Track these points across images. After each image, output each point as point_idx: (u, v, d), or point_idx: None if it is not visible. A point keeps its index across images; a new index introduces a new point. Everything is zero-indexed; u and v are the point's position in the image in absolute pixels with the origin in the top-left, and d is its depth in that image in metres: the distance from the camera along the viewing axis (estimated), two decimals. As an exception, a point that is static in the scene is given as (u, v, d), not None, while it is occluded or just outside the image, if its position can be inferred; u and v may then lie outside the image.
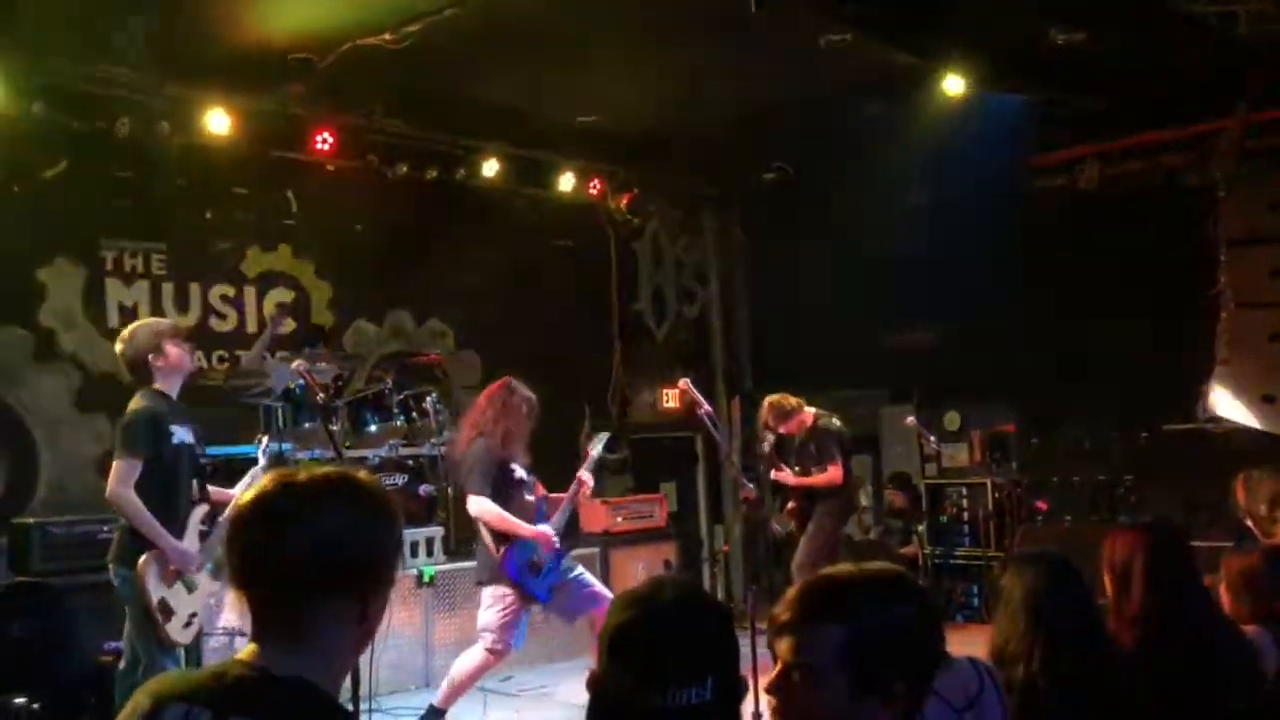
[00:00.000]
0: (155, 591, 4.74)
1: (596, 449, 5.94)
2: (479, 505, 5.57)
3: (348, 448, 6.71)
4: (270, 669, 1.60)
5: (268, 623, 1.64)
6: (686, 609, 1.69)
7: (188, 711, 1.58)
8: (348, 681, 3.97)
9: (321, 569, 1.61)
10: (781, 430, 7.45)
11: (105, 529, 5.99)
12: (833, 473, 7.28)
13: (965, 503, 8.87)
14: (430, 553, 7.16)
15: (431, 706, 5.71)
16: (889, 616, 1.72)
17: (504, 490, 5.63)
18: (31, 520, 6.33)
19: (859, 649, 1.68)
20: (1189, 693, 2.68)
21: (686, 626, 1.67)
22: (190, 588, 4.82)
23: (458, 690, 5.71)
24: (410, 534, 7.06)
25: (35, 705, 5.25)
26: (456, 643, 6.96)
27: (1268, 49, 6.73)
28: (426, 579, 6.94)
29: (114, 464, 4.79)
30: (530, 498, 5.76)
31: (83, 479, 7.03)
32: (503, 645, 5.65)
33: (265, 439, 5.56)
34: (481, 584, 5.79)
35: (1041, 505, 7.80)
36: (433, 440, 7.47)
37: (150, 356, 4.91)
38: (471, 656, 5.70)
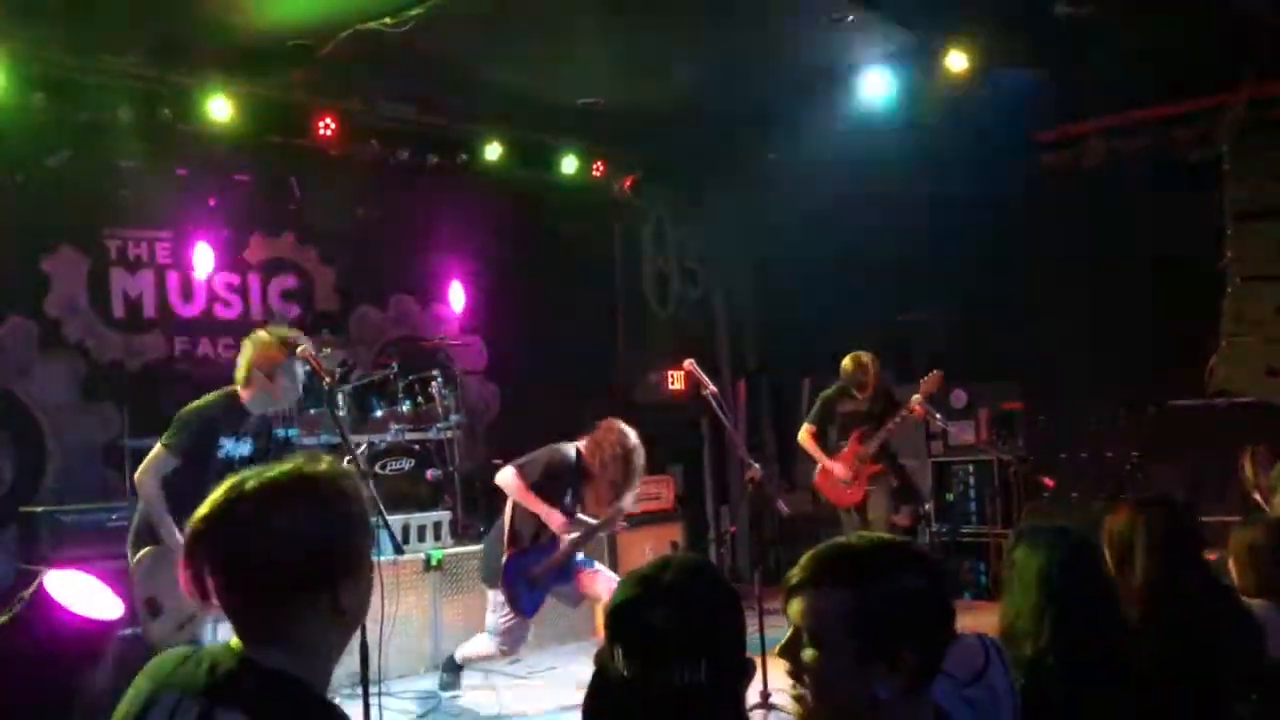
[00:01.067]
0: (145, 587, 4.68)
1: (625, 502, 5.89)
2: (506, 476, 5.62)
3: (353, 433, 6.72)
4: (260, 662, 1.62)
5: (245, 625, 1.66)
6: (685, 589, 1.68)
7: (179, 701, 1.61)
8: (356, 665, 3.99)
9: (281, 571, 1.62)
10: (865, 383, 7.43)
11: (114, 517, 6.05)
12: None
13: (972, 480, 8.86)
14: (438, 537, 7.18)
15: (451, 658, 6.02)
16: (898, 585, 1.71)
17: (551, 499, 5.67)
18: (40, 509, 6.36)
19: (867, 615, 1.67)
20: (1193, 667, 2.68)
21: (683, 606, 1.66)
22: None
23: (471, 661, 6.04)
24: (418, 518, 7.09)
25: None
26: (464, 626, 6.99)
27: (1272, 20, 6.69)
28: (434, 563, 6.96)
29: (154, 449, 4.76)
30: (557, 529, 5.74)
31: (90, 467, 7.07)
32: (508, 648, 5.85)
33: None
34: (484, 582, 5.93)
35: (1048, 482, 7.78)
36: (439, 425, 7.48)
37: (261, 372, 4.82)
38: (481, 644, 5.90)
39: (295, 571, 1.62)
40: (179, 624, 4.71)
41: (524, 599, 5.70)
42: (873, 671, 1.67)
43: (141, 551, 4.73)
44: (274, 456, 5.03)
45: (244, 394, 4.87)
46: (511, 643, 5.81)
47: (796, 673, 1.73)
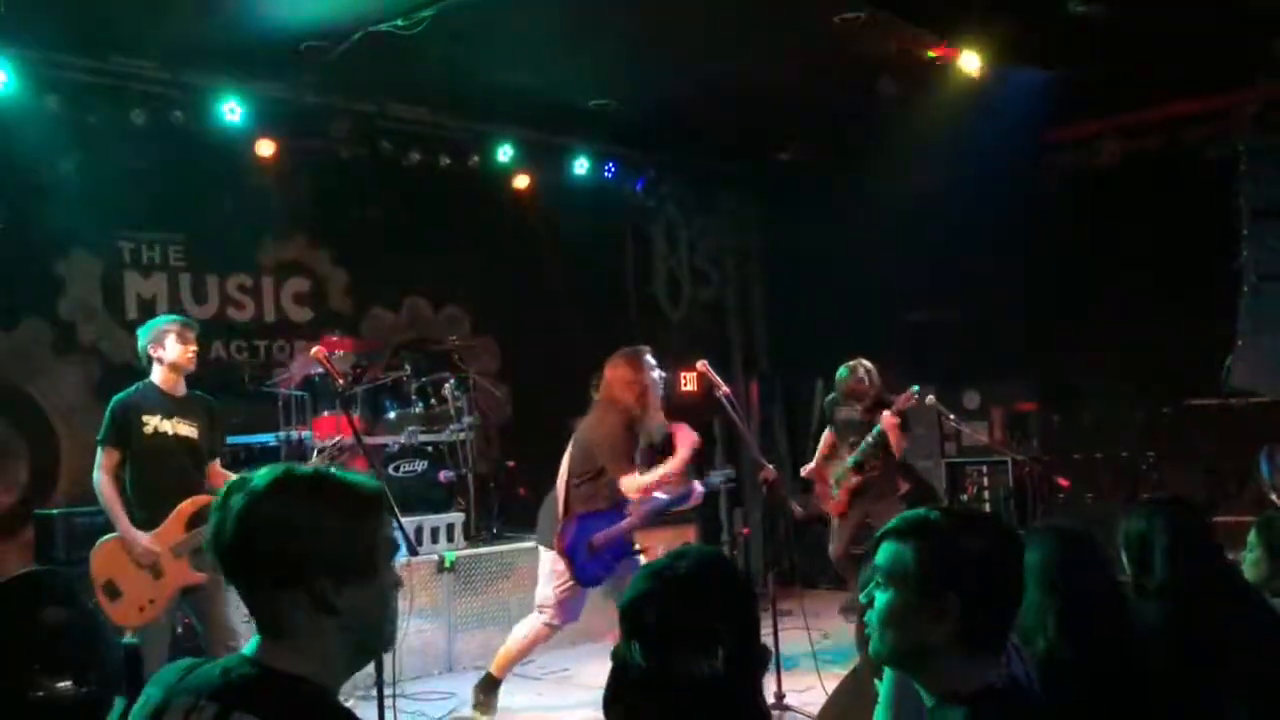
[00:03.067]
0: (103, 571, 4.98)
1: (713, 480, 6.00)
2: (630, 483, 5.43)
3: (366, 435, 6.73)
4: (274, 666, 1.64)
5: (253, 616, 1.70)
6: (699, 581, 1.70)
7: (195, 704, 1.62)
8: (370, 667, 3.99)
9: (259, 562, 1.66)
10: (855, 394, 7.38)
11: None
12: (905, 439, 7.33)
13: (986, 481, 8.83)
14: (451, 539, 7.18)
15: (488, 674, 5.76)
16: (955, 543, 1.87)
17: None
18: (55, 511, 6.38)
19: (922, 565, 1.86)
20: (1211, 666, 2.66)
21: (699, 598, 1.67)
22: (156, 574, 4.95)
23: (513, 659, 5.73)
24: (431, 520, 7.09)
25: (83, 689, 5.33)
26: (479, 627, 7.01)
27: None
28: (447, 564, 6.96)
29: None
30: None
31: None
32: (559, 620, 5.63)
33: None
34: (541, 546, 5.74)
35: (1064, 483, 7.75)
36: (451, 426, 7.48)
37: (150, 349, 5.18)
38: (528, 625, 5.68)
39: (272, 563, 1.66)
40: (139, 606, 4.98)
41: (582, 565, 5.49)
42: (924, 618, 1.83)
43: (100, 540, 5.06)
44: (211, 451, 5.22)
45: (153, 376, 5.22)
46: (564, 614, 5.59)
47: (869, 611, 1.92)
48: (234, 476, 1.78)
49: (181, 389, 5.23)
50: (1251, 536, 3.25)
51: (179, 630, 5.41)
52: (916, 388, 7.20)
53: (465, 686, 6.50)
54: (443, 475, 7.41)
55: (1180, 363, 7.85)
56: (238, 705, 1.59)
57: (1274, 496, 6.44)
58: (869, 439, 7.25)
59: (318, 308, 8.36)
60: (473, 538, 7.40)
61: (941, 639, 1.81)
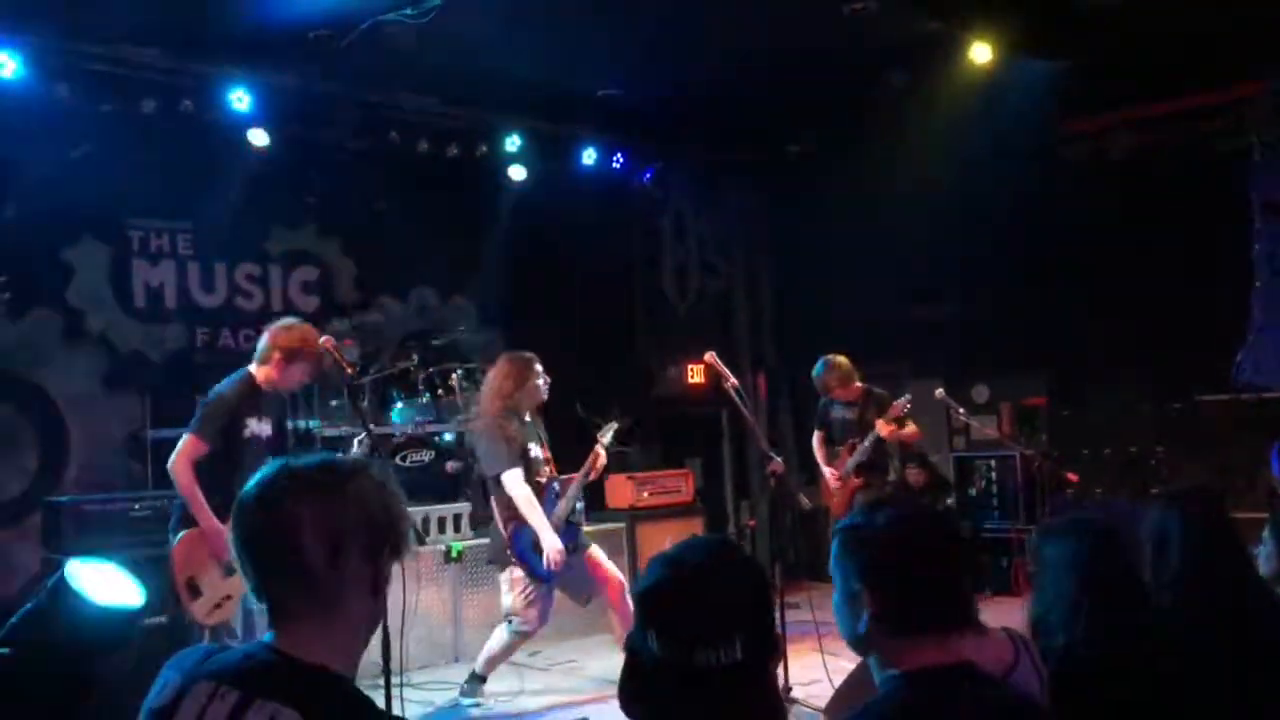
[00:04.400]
0: (185, 570, 4.88)
1: (606, 438, 5.98)
2: (514, 482, 5.60)
3: (374, 424, 6.72)
4: (294, 655, 1.63)
5: (286, 608, 1.67)
6: (716, 568, 1.69)
7: (215, 689, 1.61)
8: (378, 657, 3.99)
9: (340, 540, 1.65)
10: (840, 395, 7.39)
11: (137, 507, 6.07)
12: (914, 430, 7.35)
13: (994, 476, 8.80)
14: (457, 528, 7.19)
15: (473, 672, 5.89)
16: (862, 531, 1.96)
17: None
18: (64, 499, 6.40)
19: (838, 555, 1.98)
20: (1227, 658, 2.64)
21: (715, 586, 1.67)
22: (229, 571, 4.85)
23: (494, 662, 5.90)
24: (437, 510, 7.10)
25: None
26: (485, 617, 7.00)
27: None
28: (454, 555, 6.95)
29: (184, 437, 4.95)
30: (541, 479, 5.79)
31: (112, 457, 7.11)
32: (530, 626, 5.75)
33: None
34: (493, 564, 5.91)
35: (1072, 478, 7.71)
36: (459, 417, 7.49)
37: (283, 355, 5.02)
38: (499, 637, 5.83)
39: (352, 539, 1.66)
40: (215, 603, 4.91)
41: (536, 564, 5.63)
42: (849, 609, 1.93)
43: (179, 535, 4.92)
44: (293, 440, 5.19)
45: (259, 373, 5.07)
46: (537, 617, 5.71)
47: None
48: None
49: (269, 389, 5.14)
50: (1266, 532, 3.23)
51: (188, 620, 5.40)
52: (908, 396, 7.21)
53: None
54: (449, 465, 7.42)
55: (1190, 357, 7.80)
56: (260, 692, 1.58)
57: (1284, 492, 6.39)
58: (866, 444, 7.26)
59: (325, 297, 8.36)
60: (479, 528, 7.40)
61: (866, 627, 1.89)
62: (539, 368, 5.85)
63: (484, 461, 5.81)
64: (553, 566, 5.59)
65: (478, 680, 5.90)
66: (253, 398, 5.05)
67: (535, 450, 5.80)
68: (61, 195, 6.90)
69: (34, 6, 6.15)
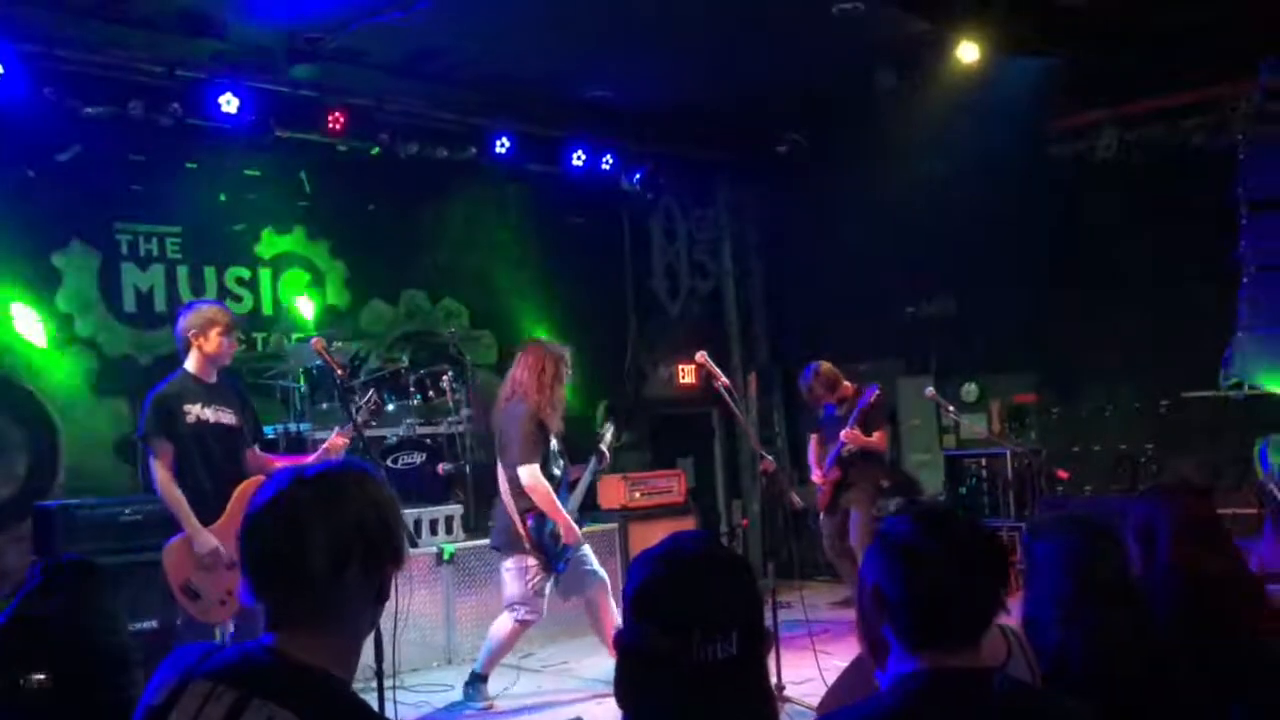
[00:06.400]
0: (178, 574, 4.88)
1: (607, 438, 6.07)
2: (533, 476, 5.60)
3: (366, 427, 6.71)
4: (293, 657, 1.63)
5: (287, 613, 1.67)
6: (708, 563, 1.70)
7: (212, 689, 1.61)
8: (371, 659, 3.98)
9: (349, 553, 1.66)
10: (829, 399, 7.55)
11: (127, 511, 6.06)
12: (880, 438, 7.55)
13: (984, 473, 8.83)
14: (450, 530, 7.18)
15: (474, 672, 5.86)
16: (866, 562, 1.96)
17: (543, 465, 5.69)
18: (53, 503, 6.37)
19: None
20: (1216, 653, 2.66)
21: (709, 580, 1.68)
22: (230, 564, 4.83)
23: (496, 656, 5.85)
24: (429, 512, 7.09)
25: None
26: (477, 619, 7.00)
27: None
28: (446, 557, 6.96)
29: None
30: (557, 471, 5.81)
31: (101, 462, 7.08)
32: (534, 614, 5.73)
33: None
34: (499, 550, 5.85)
35: (1062, 475, 7.75)
36: (450, 419, 7.48)
37: (192, 336, 5.07)
38: (502, 626, 5.78)
39: (358, 552, 1.67)
40: (219, 600, 4.90)
41: (553, 555, 5.66)
42: (879, 611, 1.91)
43: (169, 543, 4.93)
44: (283, 442, 5.17)
45: (190, 364, 5.11)
46: (543, 607, 5.73)
47: None
48: (279, 463, 1.81)
49: (214, 376, 5.15)
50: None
51: (179, 622, 5.38)
52: (875, 386, 7.50)
53: (464, 678, 6.51)
54: (441, 467, 7.41)
55: (1178, 355, 7.85)
56: (257, 692, 1.58)
57: (1273, 488, 6.43)
58: (840, 444, 7.47)
59: (316, 299, 8.34)
60: (471, 530, 7.40)
61: (891, 630, 1.88)
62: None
63: (507, 447, 5.74)
64: (569, 545, 5.67)
65: (480, 680, 5.86)
66: (192, 385, 5.05)
67: (555, 443, 5.83)
68: (50, 199, 6.88)
69: (20, 9, 6.13)
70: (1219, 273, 7.71)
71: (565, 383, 5.83)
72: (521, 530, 5.68)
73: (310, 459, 4.66)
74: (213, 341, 5.07)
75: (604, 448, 6.05)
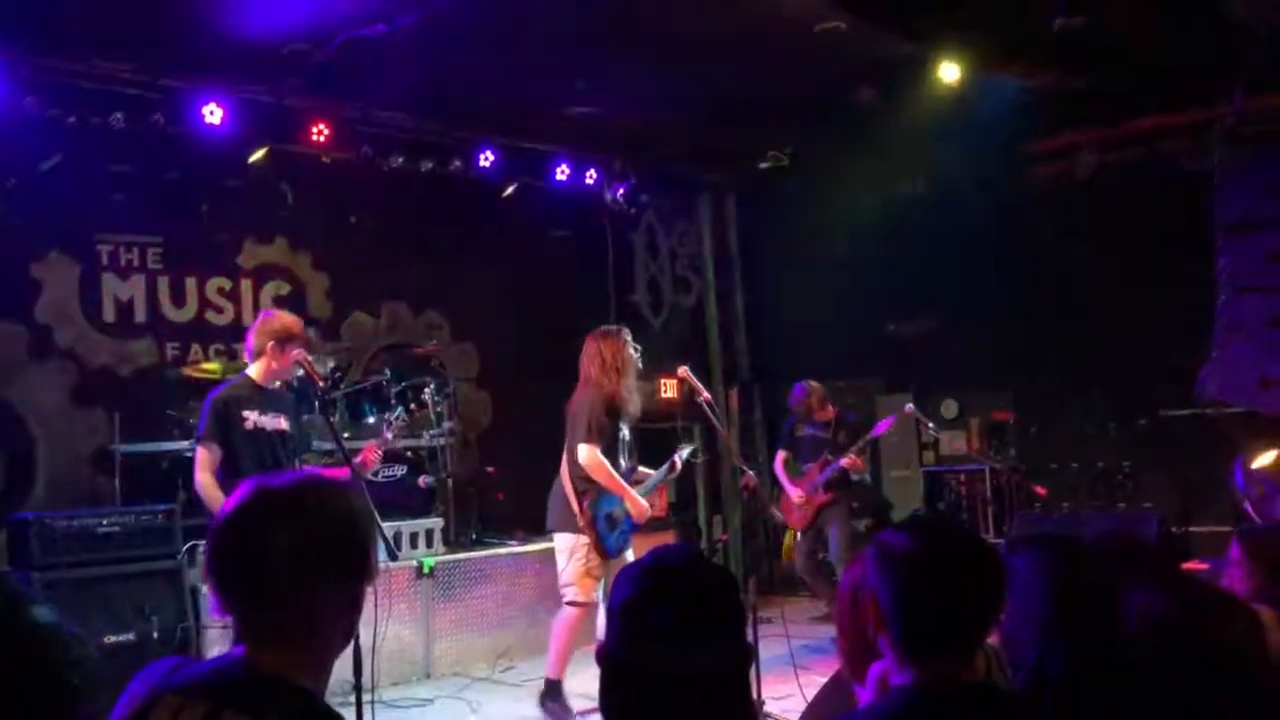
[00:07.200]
0: (202, 583, 5.01)
1: (684, 453, 6.09)
2: (592, 454, 5.54)
3: (346, 439, 6.69)
4: (263, 669, 1.63)
5: (255, 626, 1.66)
6: (692, 577, 1.71)
7: (184, 703, 1.60)
8: (349, 673, 3.97)
9: (316, 565, 1.65)
10: (822, 416, 7.61)
11: (104, 522, 6.01)
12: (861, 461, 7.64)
13: (963, 490, 8.88)
14: (430, 544, 7.16)
15: (547, 679, 5.67)
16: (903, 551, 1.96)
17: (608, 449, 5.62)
18: (31, 515, 6.32)
19: None
20: (1191, 671, 2.67)
21: (693, 594, 1.69)
22: None
23: (562, 656, 5.64)
24: (410, 525, 7.07)
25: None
26: (457, 633, 6.98)
27: (1263, 34, 6.73)
28: (426, 570, 6.94)
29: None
30: (623, 463, 5.74)
31: (80, 474, 7.03)
32: (585, 597, 5.61)
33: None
34: (553, 530, 5.75)
35: (1041, 491, 7.82)
36: (431, 431, 7.47)
37: (270, 348, 5.10)
38: (562, 619, 5.65)
39: (328, 565, 1.66)
40: None
41: (606, 537, 5.58)
42: (873, 620, 1.96)
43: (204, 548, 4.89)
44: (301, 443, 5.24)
45: (255, 370, 5.17)
46: (593, 587, 5.61)
47: None
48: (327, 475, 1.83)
49: (274, 384, 5.22)
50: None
51: (153, 635, 5.35)
52: (891, 420, 7.67)
53: (443, 692, 6.50)
54: (422, 480, 7.40)
55: (1156, 373, 7.92)
56: (228, 704, 1.57)
57: (1247, 506, 6.49)
58: (841, 463, 7.48)
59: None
60: (452, 543, 7.38)
61: (885, 640, 1.91)
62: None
63: (573, 430, 5.68)
64: (639, 521, 5.63)
65: (553, 688, 5.62)
66: (251, 392, 5.11)
67: (626, 433, 5.78)
68: (30, 209, 6.84)
69: (4, 19, 6.10)
70: (1196, 293, 7.80)
71: (635, 365, 5.78)
72: (577, 509, 5.59)
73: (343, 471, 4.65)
74: (287, 361, 5.12)
75: (677, 458, 6.00)
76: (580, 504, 5.60)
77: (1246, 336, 7.59)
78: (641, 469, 5.98)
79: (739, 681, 1.70)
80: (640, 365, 5.84)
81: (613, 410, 5.64)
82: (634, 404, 5.76)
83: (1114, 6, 6.44)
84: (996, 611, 1.93)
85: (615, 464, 5.66)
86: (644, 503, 5.67)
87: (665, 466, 6.01)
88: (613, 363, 5.70)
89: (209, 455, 4.93)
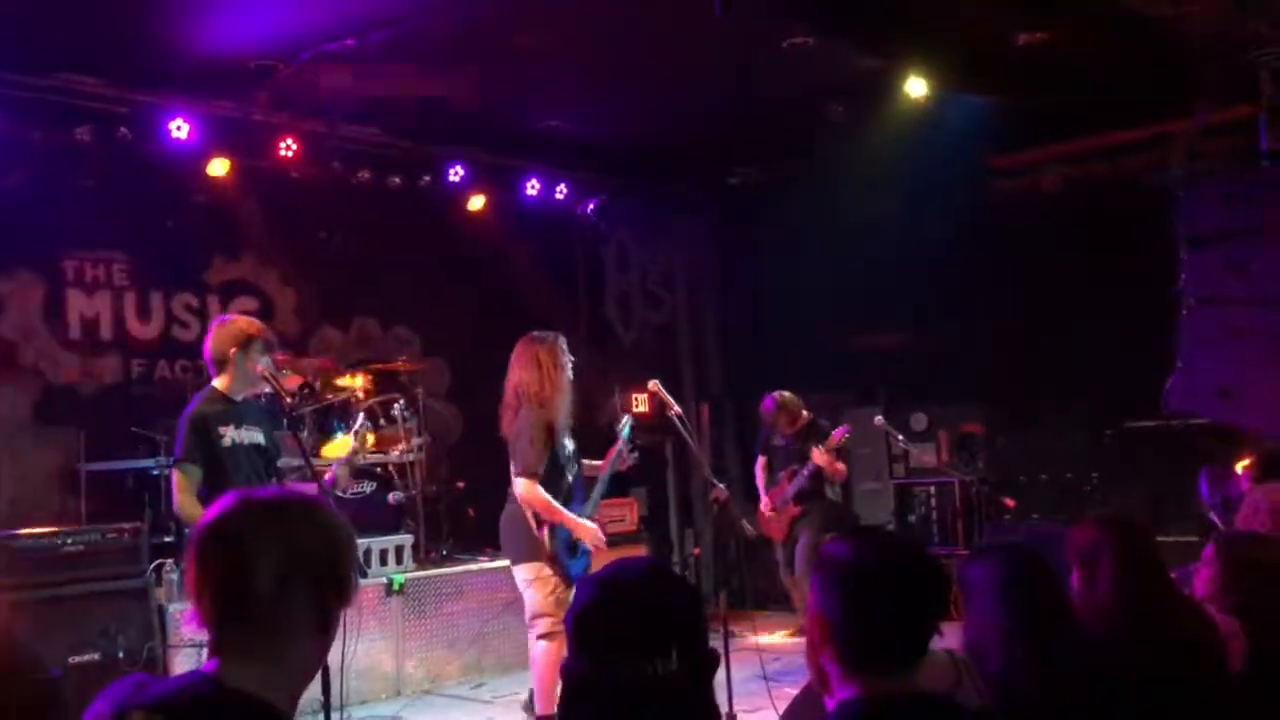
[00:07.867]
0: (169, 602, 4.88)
1: (625, 430, 5.86)
2: (527, 489, 5.30)
3: (314, 455, 6.64)
4: (232, 685, 1.61)
5: (231, 639, 1.65)
6: (648, 585, 1.72)
7: (149, 719, 1.58)
8: (318, 692, 3.93)
9: (299, 578, 1.65)
10: (789, 430, 7.68)
11: (69, 541, 5.91)
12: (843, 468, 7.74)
13: (933, 502, 8.93)
14: (400, 560, 7.11)
15: (539, 718, 5.43)
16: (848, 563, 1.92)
17: (551, 470, 5.38)
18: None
19: None
20: (1158, 680, 2.70)
21: (648, 601, 1.69)
22: None
23: (546, 689, 5.40)
24: (379, 542, 7.02)
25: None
26: (427, 651, 6.94)
27: (1220, 49, 6.85)
28: (396, 587, 6.89)
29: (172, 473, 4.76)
30: (570, 476, 5.52)
31: (45, 492, 6.94)
32: (560, 625, 5.23)
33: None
34: (515, 562, 5.49)
35: (1010, 503, 7.88)
36: (400, 448, 7.43)
37: (233, 351, 4.78)
38: (541, 654, 5.40)
39: (301, 585, 1.65)
40: None
41: (569, 565, 5.36)
42: (820, 633, 1.92)
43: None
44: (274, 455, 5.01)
45: (221, 382, 4.86)
46: (563, 616, 5.42)
47: None
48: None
49: (240, 396, 4.89)
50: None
51: (119, 655, 5.27)
52: (846, 426, 7.75)
53: (413, 711, 6.45)
54: (392, 497, 7.36)
55: (1122, 385, 8.00)
56: None
57: (1213, 516, 6.55)
58: (805, 473, 7.61)
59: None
60: (422, 560, 7.34)
61: (830, 653, 1.88)
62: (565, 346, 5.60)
63: (513, 458, 5.43)
64: (595, 545, 5.40)
65: None
66: (224, 406, 4.81)
67: (569, 444, 5.55)
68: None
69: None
70: (1160, 305, 7.88)
71: (568, 369, 5.55)
72: (540, 537, 5.36)
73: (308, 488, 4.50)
74: (257, 359, 4.79)
75: (621, 444, 5.76)
76: (540, 532, 5.38)
77: (1208, 348, 7.68)
78: (588, 462, 5.75)
79: (698, 686, 1.69)
80: (571, 375, 5.60)
81: (552, 430, 5.42)
82: (567, 412, 5.53)
83: (1075, 23, 6.53)
84: (936, 621, 1.88)
85: (562, 480, 5.44)
86: (592, 526, 5.43)
87: (614, 457, 5.75)
88: (550, 370, 5.46)
89: (187, 477, 4.64)
